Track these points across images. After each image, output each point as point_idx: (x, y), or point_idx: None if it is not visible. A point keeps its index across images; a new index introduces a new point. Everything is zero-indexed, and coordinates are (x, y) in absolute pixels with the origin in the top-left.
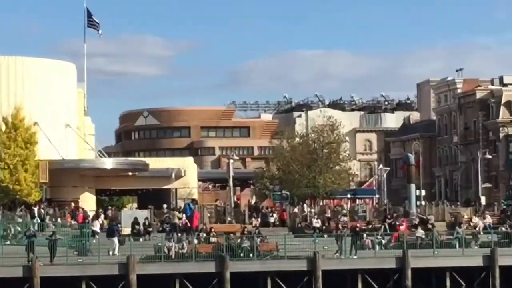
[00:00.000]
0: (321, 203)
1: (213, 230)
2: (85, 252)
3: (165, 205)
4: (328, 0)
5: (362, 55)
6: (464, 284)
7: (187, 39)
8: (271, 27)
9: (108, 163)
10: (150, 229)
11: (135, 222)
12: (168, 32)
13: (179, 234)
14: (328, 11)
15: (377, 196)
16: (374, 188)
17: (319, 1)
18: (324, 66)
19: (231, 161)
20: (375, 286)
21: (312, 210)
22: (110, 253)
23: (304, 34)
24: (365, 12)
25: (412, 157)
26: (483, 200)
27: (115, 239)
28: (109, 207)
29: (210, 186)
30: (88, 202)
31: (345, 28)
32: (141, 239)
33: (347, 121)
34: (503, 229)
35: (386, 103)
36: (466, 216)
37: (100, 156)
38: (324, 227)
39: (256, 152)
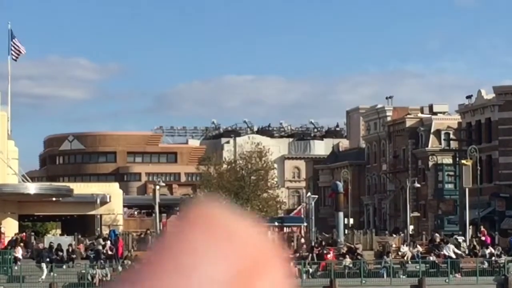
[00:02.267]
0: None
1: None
2: (8, 278)
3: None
4: (262, 25)
5: (295, 80)
6: None
7: (117, 63)
8: (201, 51)
9: (32, 188)
10: (74, 256)
11: (59, 248)
12: (97, 55)
13: (102, 262)
14: (262, 36)
15: (305, 224)
16: (302, 216)
17: (252, 26)
18: (255, 91)
19: (158, 187)
20: None
21: None
22: (40, 279)
23: (235, 59)
24: (300, 37)
25: (340, 185)
26: (410, 229)
27: (44, 265)
28: (25, 232)
29: (135, 213)
30: (10, 227)
31: (280, 53)
32: (64, 266)
33: (276, 148)
34: (431, 258)
35: (315, 130)
36: (394, 245)
37: (24, 181)
38: None
39: (183, 179)
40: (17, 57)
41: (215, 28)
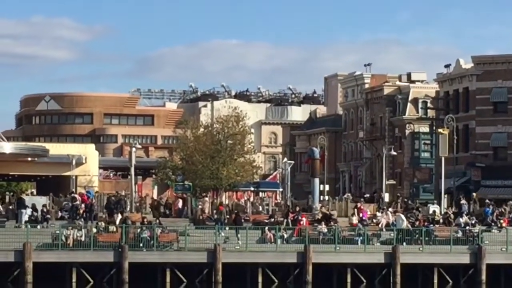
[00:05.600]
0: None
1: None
2: None
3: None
4: None
5: (281, 47)
6: (364, 280)
7: (102, 24)
8: (188, 15)
9: (7, 147)
10: (48, 216)
11: (33, 208)
12: (83, 16)
13: (80, 222)
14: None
15: (281, 189)
16: (278, 181)
17: None
18: (241, 57)
19: (134, 149)
20: (276, 280)
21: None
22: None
23: (222, 23)
24: (289, 5)
25: (317, 151)
26: (386, 196)
27: (24, 211)
28: (7, 193)
29: (111, 175)
30: None
31: (268, 19)
32: (38, 226)
33: (253, 113)
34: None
35: (293, 96)
36: (369, 212)
37: None
38: (226, 220)
39: (159, 141)
40: None
41: None
